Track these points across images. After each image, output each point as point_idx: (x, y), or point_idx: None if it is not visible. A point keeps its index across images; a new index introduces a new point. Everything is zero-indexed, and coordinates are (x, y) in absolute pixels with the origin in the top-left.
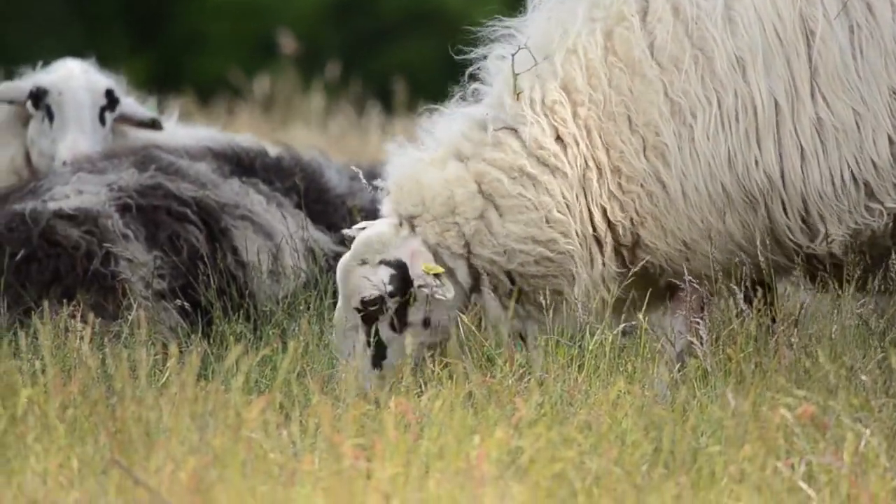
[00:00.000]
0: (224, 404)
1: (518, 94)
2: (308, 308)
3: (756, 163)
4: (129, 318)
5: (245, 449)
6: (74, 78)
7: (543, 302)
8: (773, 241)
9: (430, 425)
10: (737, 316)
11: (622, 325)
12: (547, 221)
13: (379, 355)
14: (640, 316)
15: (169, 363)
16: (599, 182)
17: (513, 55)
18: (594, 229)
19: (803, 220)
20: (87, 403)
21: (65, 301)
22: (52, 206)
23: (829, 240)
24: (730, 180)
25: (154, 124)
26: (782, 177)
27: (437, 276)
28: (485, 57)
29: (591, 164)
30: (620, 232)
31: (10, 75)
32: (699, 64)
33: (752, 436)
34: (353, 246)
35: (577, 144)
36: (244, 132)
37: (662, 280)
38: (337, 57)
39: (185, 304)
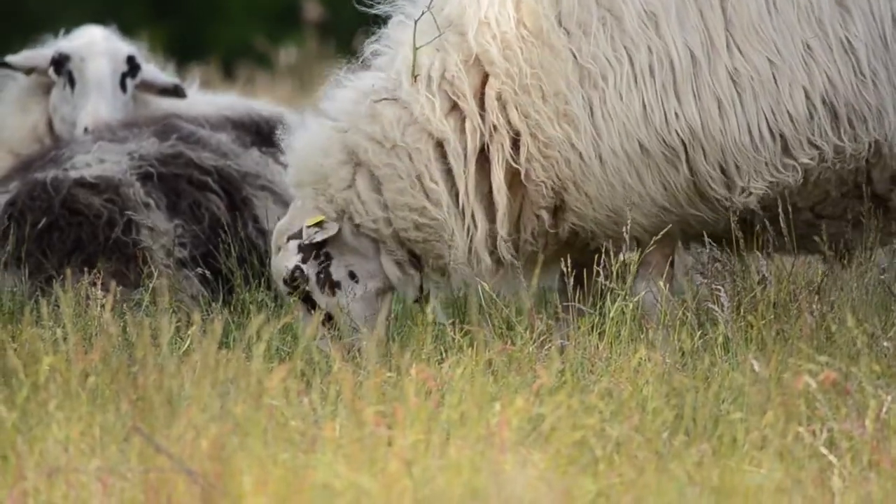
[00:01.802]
0: (245, 372)
1: (416, 77)
2: None
3: (676, 115)
4: (151, 286)
5: (266, 416)
6: (96, 44)
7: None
8: (697, 196)
9: (450, 392)
10: (759, 283)
11: (643, 293)
12: (420, 189)
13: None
14: (661, 283)
15: (190, 331)
16: (515, 147)
17: (416, 21)
18: (487, 195)
19: (722, 171)
20: (108, 371)
21: (86, 269)
22: (74, 174)
23: (746, 193)
24: (646, 136)
25: (176, 90)
26: (702, 127)
27: (319, 223)
28: (386, 19)
29: (502, 131)
30: (543, 192)
31: (31, 43)
32: (607, 25)
33: (773, 402)
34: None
35: (481, 116)
36: (265, 100)
37: (593, 244)
38: (362, 24)
39: (207, 272)
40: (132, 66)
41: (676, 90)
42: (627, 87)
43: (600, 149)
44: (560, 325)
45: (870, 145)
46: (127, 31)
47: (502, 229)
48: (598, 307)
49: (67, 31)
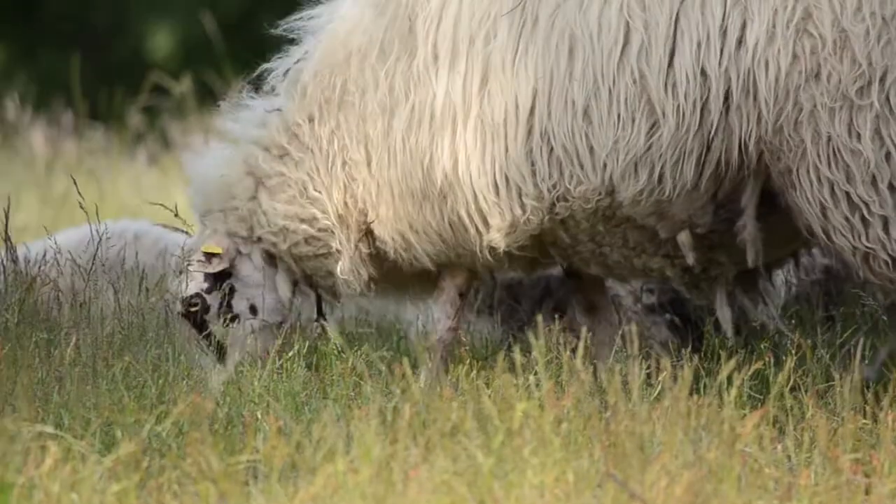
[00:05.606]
0: (717, 419)
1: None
2: (801, 321)
3: (438, 157)
4: (620, 332)
5: (740, 463)
6: None
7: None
8: (461, 233)
9: None
10: None
11: None
12: (307, 198)
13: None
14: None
15: (661, 378)
16: (343, 166)
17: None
18: (339, 209)
19: (478, 212)
20: (580, 417)
21: (556, 316)
22: None
23: (492, 231)
24: (412, 173)
25: None
26: (457, 171)
27: (210, 255)
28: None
29: (337, 147)
30: (364, 214)
31: None
32: (403, 59)
33: None
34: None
35: (329, 127)
36: None
37: (411, 268)
38: None
39: (675, 318)
40: None
41: (441, 131)
42: (407, 122)
43: (389, 176)
44: None
45: (598, 190)
46: None
47: (348, 244)
48: None
49: None
